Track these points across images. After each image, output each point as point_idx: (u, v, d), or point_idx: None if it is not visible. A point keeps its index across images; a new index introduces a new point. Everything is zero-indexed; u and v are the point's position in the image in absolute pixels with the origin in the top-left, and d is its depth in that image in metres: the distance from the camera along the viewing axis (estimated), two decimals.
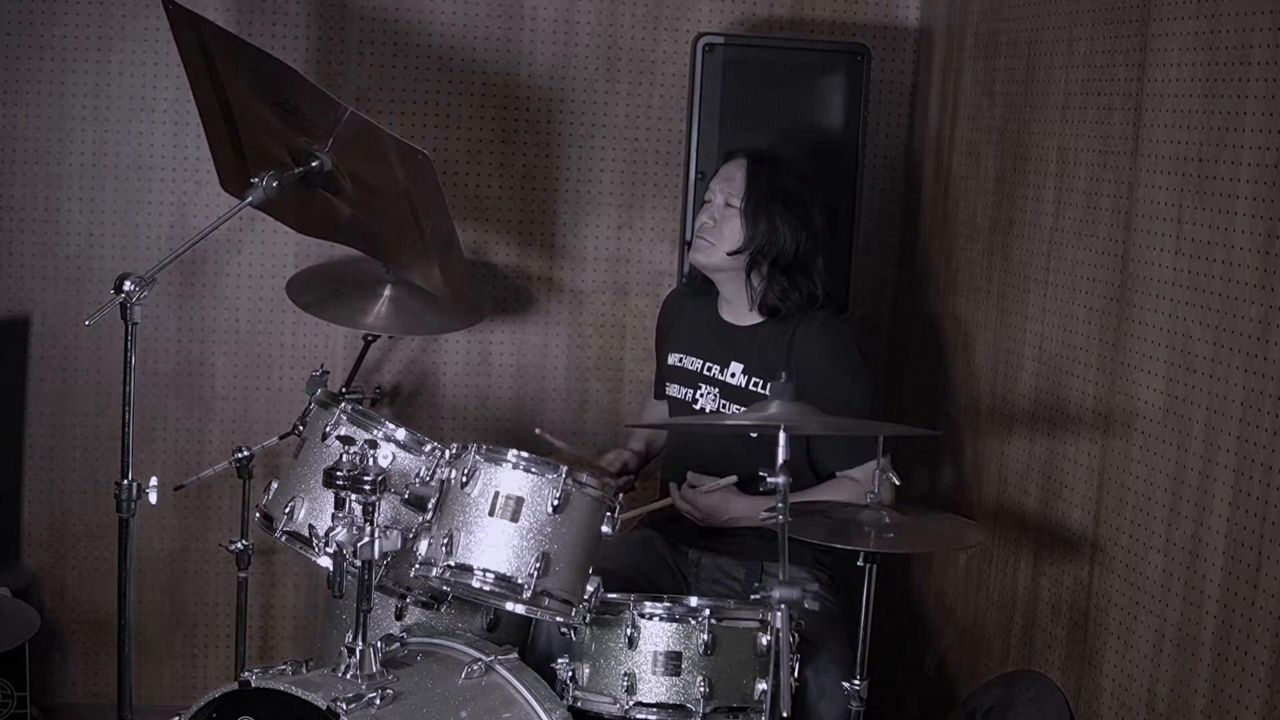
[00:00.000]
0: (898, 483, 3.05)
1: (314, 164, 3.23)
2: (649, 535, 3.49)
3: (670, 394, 3.54)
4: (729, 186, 3.40)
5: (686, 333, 3.55)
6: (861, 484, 3.21)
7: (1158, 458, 2.84)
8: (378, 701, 2.64)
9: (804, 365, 3.32)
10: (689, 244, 3.55)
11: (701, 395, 3.46)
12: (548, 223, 4.10)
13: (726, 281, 3.45)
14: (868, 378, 3.43)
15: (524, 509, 2.82)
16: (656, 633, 2.87)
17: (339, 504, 2.73)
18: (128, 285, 2.81)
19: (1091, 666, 3.06)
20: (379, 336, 3.85)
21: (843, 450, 3.35)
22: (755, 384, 3.38)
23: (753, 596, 2.89)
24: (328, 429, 3.07)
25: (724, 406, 3.41)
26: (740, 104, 3.74)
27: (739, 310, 3.47)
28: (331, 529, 2.73)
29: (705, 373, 3.47)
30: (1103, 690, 3.01)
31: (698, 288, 3.55)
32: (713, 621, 2.86)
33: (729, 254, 3.38)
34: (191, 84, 3.45)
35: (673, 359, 3.55)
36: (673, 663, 2.85)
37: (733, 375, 3.41)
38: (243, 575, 3.60)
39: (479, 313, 3.82)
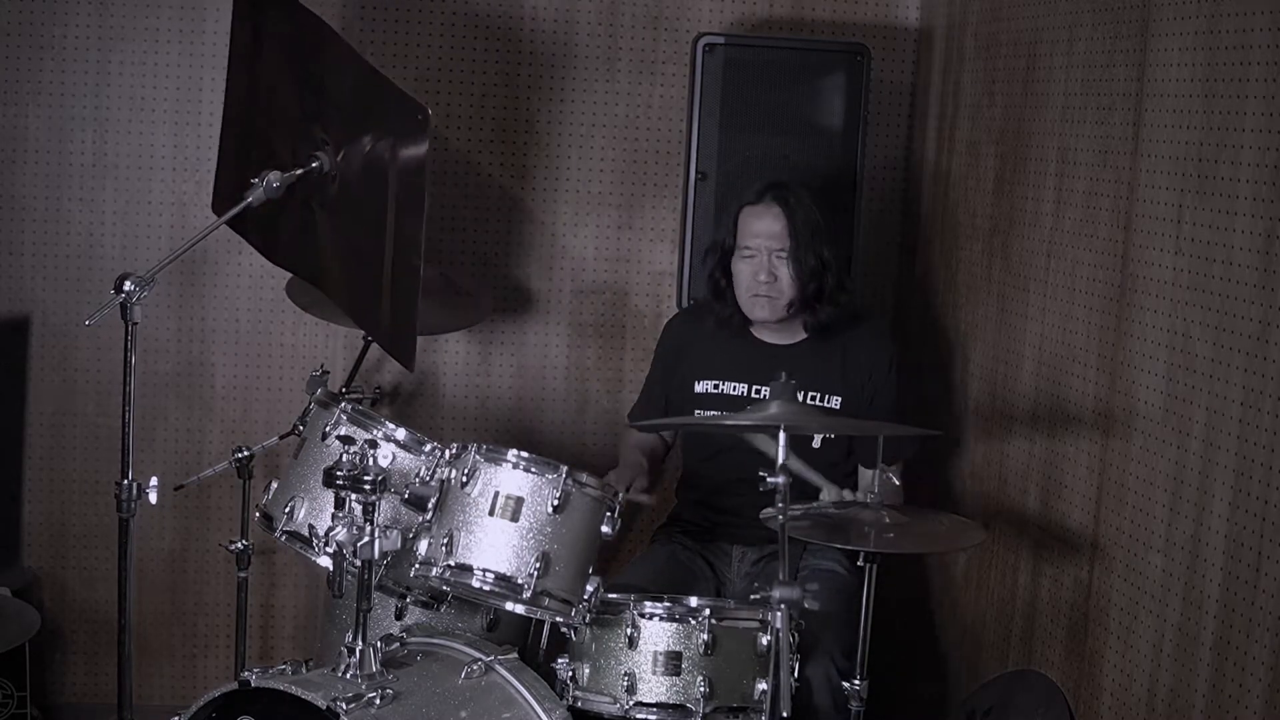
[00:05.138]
0: (897, 482, 3.05)
1: (314, 164, 3.23)
2: (671, 549, 3.48)
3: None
4: (771, 240, 3.38)
5: (718, 359, 3.51)
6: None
7: (1158, 458, 2.84)
8: (378, 701, 2.64)
9: (864, 373, 3.45)
10: (721, 286, 3.44)
11: None
12: (548, 223, 4.10)
13: (781, 320, 3.45)
14: (902, 372, 3.54)
15: (524, 509, 2.82)
16: (656, 633, 2.87)
17: (339, 504, 2.73)
18: (128, 285, 2.81)
19: (1091, 666, 3.06)
20: None
21: (889, 445, 3.32)
22: (813, 398, 3.41)
23: (752, 596, 2.90)
24: (328, 429, 3.07)
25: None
26: (740, 104, 3.74)
27: (783, 332, 3.48)
28: (331, 529, 2.73)
29: (754, 396, 3.45)
30: (1103, 690, 3.01)
31: (711, 312, 3.51)
32: (713, 621, 2.86)
33: (789, 304, 3.40)
34: (231, 65, 3.44)
35: (703, 386, 3.51)
36: (673, 663, 2.85)
37: None
38: (243, 575, 3.60)
39: (481, 314, 3.82)
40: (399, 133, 3.06)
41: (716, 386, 3.50)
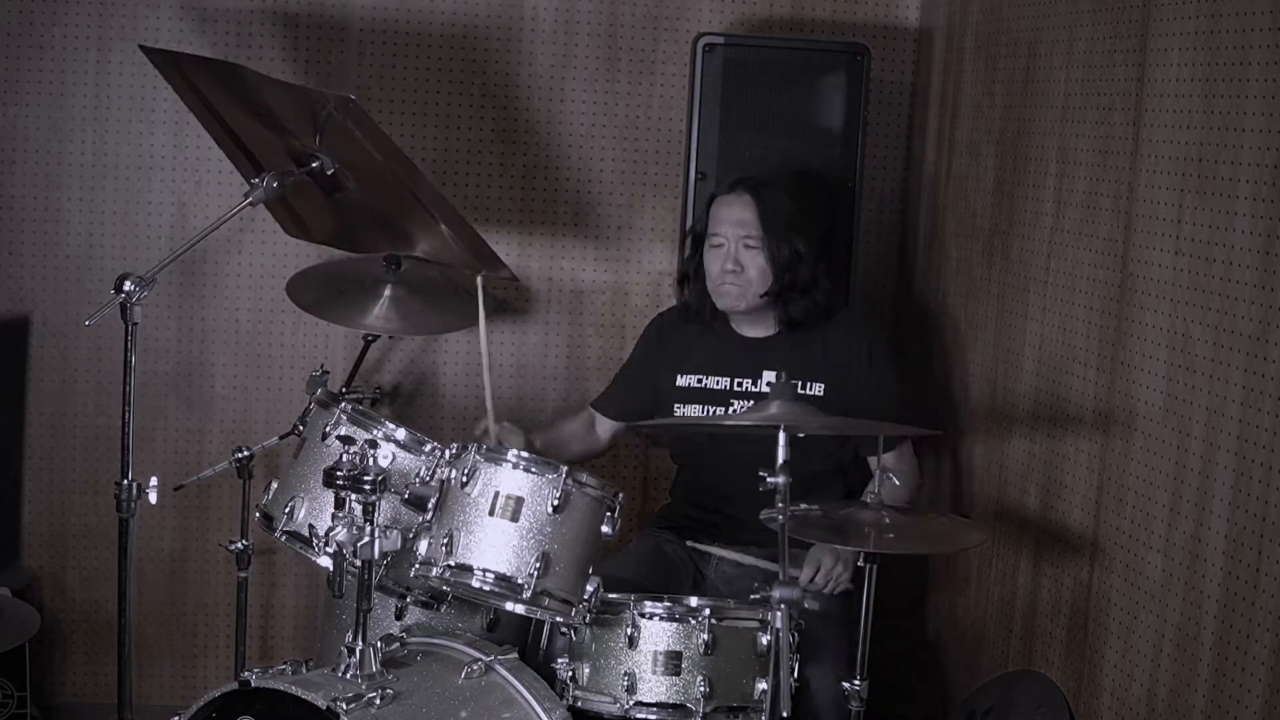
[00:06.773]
0: (897, 483, 3.05)
1: (314, 164, 3.23)
2: (658, 542, 3.48)
3: (689, 415, 3.51)
4: (741, 228, 3.39)
5: (701, 354, 3.52)
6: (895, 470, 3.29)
7: (1158, 458, 2.84)
8: (378, 701, 2.64)
9: (842, 367, 3.44)
10: (687, 283, 3.54)
11: (736, 412, 3.45)
12: (548, 223, 4.10)
13: (751, 310, 3.46)
14: (897, 357, 3.55)
15: (524, 509, 2.82)
16: (656, 632, 2.87)
17: (339, 504, 2.73)
18: (128, 285, 2.81)
19: (1091, 666, 3.06)
20: (379, 336, 3.85)
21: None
22: (795, 385, 3.39)
23: (752, 596, 2.90)
24: (328, 429, 3.07)
25: None
26: (740, 104, 3.74)
27: (760, 325, 3.49)
28: (331, 529, 2.73)
29: (736, 388, 3.46)
30: (1103, 690, 3.01)
31: (696, 311, 3.54)
32: (713, 621, 2.86)
33: (762, 294, 3.40)
34: (194, 113, 3.47)
35: (685, 380, 3.51)
36: (673, 662, 2.85)
37: (769, 385, 3.39)
38: (243, 575, 3.60)
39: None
40: (344, 121, 3.10)
41: (700, 381, 3.50)
